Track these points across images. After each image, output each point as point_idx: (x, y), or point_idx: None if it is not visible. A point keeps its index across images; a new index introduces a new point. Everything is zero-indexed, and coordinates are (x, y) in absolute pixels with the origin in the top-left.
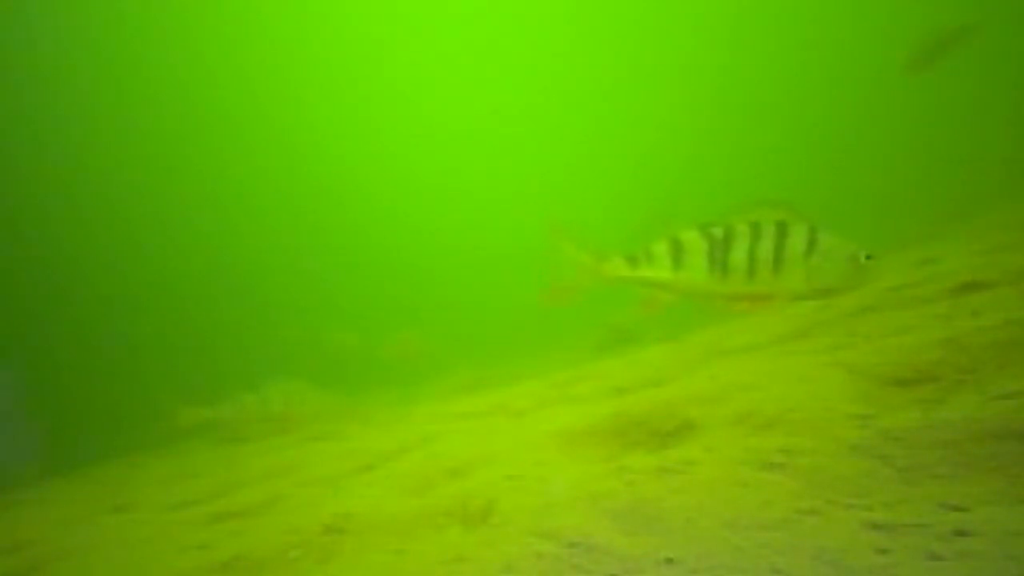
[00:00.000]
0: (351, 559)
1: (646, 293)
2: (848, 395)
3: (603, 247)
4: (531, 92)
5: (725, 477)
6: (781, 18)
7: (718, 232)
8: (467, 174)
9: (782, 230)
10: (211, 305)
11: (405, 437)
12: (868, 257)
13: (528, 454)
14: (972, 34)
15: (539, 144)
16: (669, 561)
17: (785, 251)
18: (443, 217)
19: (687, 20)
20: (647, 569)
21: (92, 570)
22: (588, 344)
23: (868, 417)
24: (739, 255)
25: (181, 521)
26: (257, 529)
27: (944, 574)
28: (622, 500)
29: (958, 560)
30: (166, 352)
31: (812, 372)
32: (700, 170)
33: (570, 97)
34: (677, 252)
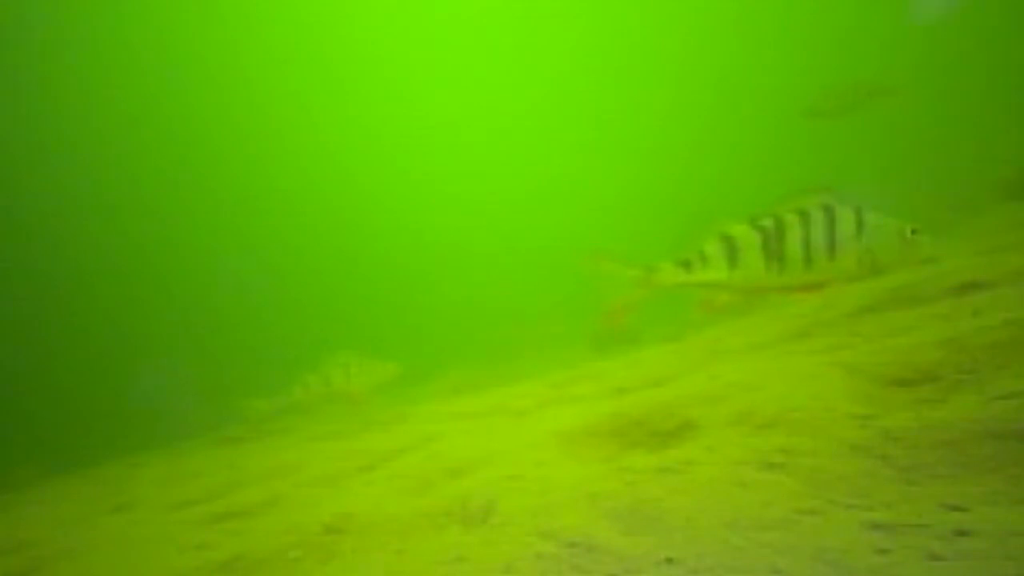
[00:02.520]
0: (351, 559)
1: (703, 295)
2: (848, 395)
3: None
4: (530, 95)
5: (725, 477)
6: (792, 19)
7: (768, 223)
8: (471, 175)
9: (830, 214)
10: (209, 307)
11: (405, 437)
12: (914, 231)
13: (528, 454)
14: (888, 94)
15: (541, 144)
16: (669, 561)
17: (836, 235)
18: (445, 218)
19: (688, 22)
20: (647, 569)
21: (92, 570)
22: (588, 344)
23: (868, 417)
24: (794, 245)
25: (181, 521)
26: (257, 529)
27: (944, 574)
28: (622, 500)
29: (958, 560)
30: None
31: (812, 372)
32: (705, 172)
33: (567, 100)
34: (731, 250)
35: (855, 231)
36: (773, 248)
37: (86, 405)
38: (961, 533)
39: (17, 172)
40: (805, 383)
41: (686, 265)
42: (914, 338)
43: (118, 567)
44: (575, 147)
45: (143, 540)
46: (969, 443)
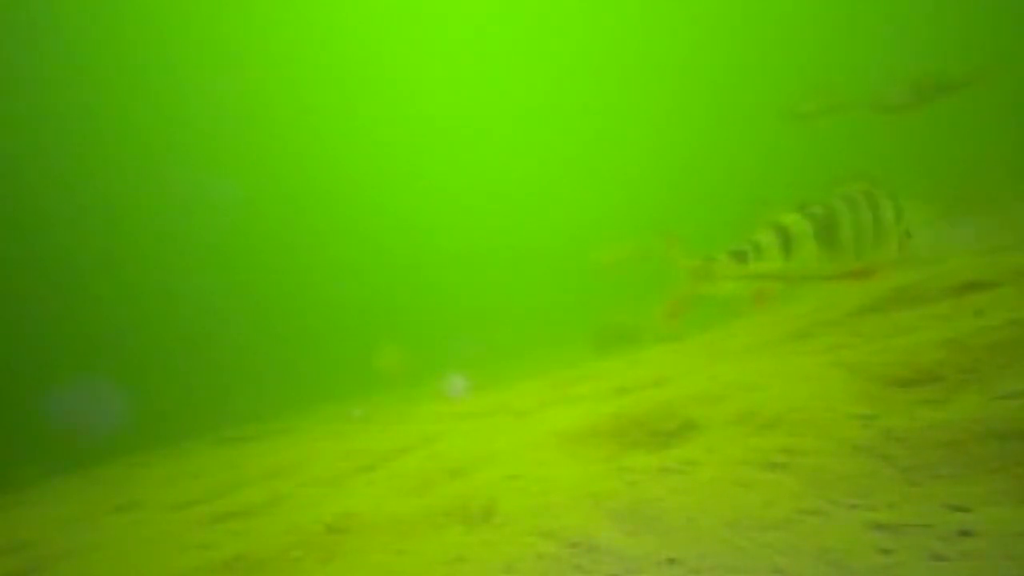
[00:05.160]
0: (352, 559)
1: (757, 287)
2: (850, 395)
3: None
4: (529, 96)
5: (726, 477)
6: (800, 19)
7: (819, 211)
8: (471, 176)
9: (872, 200)
10: (205, 308)
11: (405, 437)
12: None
13: (529, 454)
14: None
15: (541, 145)
16: (670, 561)
17: (881, 221)
18: (445, 218)
19: (690, 21)
20: (648, 569)
21: (93, 570)
22: (588, 344)
23: (870, 417)
24: (845, 232)
25: (182, 521)
26: (259, 529)
27: (947, 574)
28: (623, 500)
29: (961, 560)
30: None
31: (814, 372)
32: (702, 174)
33: (567, 102)
34: (785, 240)
35: (895, 217)
36: (825, 236)
37: (102, 402)
38: (964, 533)
39: (17, 172)
40: (806, 383)
41: (741, 256)
42: (916, 338)
43: (119, 567)
44: (576, 148)
45: (144, 540)
46: (971, 443)
